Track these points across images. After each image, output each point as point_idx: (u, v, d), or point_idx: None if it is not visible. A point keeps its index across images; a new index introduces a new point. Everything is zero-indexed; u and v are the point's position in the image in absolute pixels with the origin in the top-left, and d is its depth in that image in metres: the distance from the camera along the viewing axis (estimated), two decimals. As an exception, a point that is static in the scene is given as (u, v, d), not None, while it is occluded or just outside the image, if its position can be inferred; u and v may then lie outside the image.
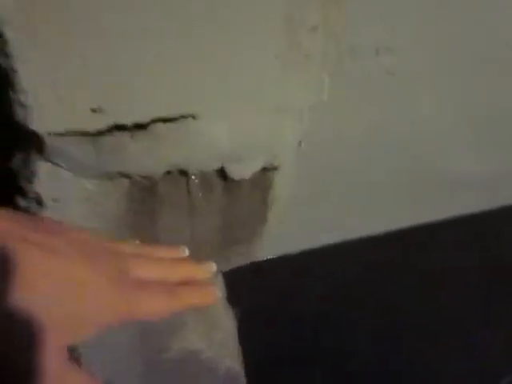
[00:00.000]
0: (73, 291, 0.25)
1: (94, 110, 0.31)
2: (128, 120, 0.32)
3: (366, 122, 0.56)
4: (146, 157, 0.35)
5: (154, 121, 0.34)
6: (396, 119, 0.57)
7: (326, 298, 0.77)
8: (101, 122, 0.32)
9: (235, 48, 0.34)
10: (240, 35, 0.33)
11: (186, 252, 0.36)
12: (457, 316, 0.82)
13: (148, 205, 0.40)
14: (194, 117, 0.35)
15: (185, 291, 0.32)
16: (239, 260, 0.51)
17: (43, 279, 0.24)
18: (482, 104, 0.61)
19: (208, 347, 0.60)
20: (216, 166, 0.39)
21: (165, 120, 0.34)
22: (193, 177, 0.40)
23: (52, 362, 0.24)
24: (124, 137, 0.33)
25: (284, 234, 0.50)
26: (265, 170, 0.43)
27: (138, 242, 0.35)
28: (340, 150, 0.57)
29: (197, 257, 0.46)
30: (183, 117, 0.35)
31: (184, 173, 0.39)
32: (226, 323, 0.63)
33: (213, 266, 0.36)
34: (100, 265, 0.27)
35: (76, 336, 0.26)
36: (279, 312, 0.76)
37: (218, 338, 0.61)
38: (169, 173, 0.39)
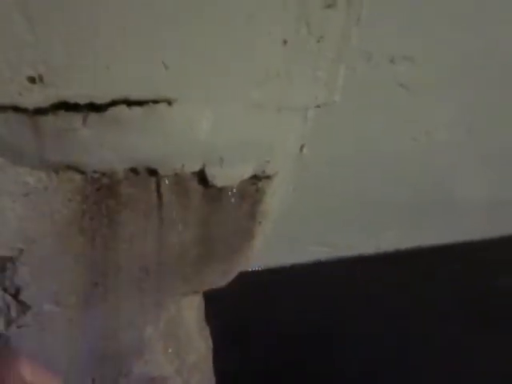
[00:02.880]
0: None
1: (32, 80, 0.23)
2: (79, 97, 0.25)
3: (370, 135, 0.51)
4: (102, 147, 0.27)
5: (116, 102, 0.26)
6: (400, 135, 0.53)
7: (311, 314, 0.74)
8: (41, 97, 0.24)
9: (229, 21, 0.26)
10: (236, 5, 0.26)
11: None
12: (444, 342, 0.78)
13: (107, 209, 0.32)
14: (169, 102, 0.27)
15: None
16: (217, 280, 0.43)
17: None
18: (497, 128, 0.58)
19: (177, 372, 0.52)
20: (194, 167, 0.32)
21: (130, 102, 0.26)
22: (165, 179, 0.32)
23: None
24: (73, 119, 0.25)
25: (271, 246, 0.45)
26: (255, 178, 0.36)
27: None
28: (338, 161, 0.52)
29: (164, 275, 0.39)
30: (155, 101, 0.27)
31: (154, 173, 0.31)
32: (201, 344, 0.56)
33: None
34: None
35: None
36: (262, 326, 0.72)
37: (189, 361, 0.54)
38: (135, 171, 0.31)
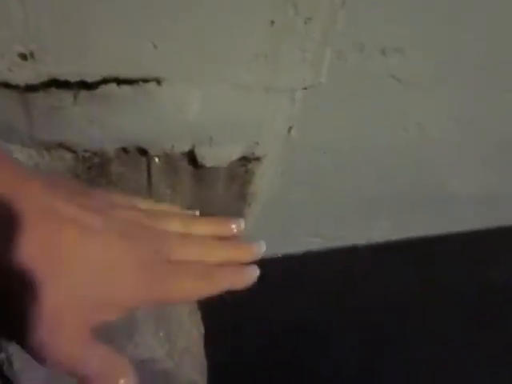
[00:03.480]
0: (100, 274, 0.25)
1: (23, 56, 0.24)
2: (70, 75, 0.25)
3: (361, 125, 0.51)
4: (92, 126, 0.28)
5: (106, 80, 0.27)
6: (393, 127, 0.53)
7: (304, 306, 0.74)
8: (32, 74, 0.24)
9: (216, 2, 0.27)
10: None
11: (242, 226, 0.34)
12: (440, 334, 0.79)
13: (98, 187, 0.33)
14: (158, 81, 0.28)
15: (221, 274, 0.31)
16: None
17: (72, 259, 0.24)
18: (489, 120, 0.58)
19: (168, 355, 0.53)
20: (184, 147, 0.32)
21: (120, 81, 0.27)
22: (155, 158, 0.33)
23: (68, 343, 0.24)
24: (64, 96, 0.26)
25: (263, 236, 0.46)
26: (244, 159, 0.36)
27: (196, 213, 0.34)
28: (332, 151, 0.52)
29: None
30: (145, 80, 0.28)
31: (144, 152, 0.32)
32: (192, 328, 0.57)
33: (262, 247, 0.34)
34: (135, 247, 0.26)
35: (97, 318, 0.25)
36: (255, 317, 0.72)
37: (180, 345, 0.54)
38: (125, 151, 0.32)
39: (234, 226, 0.33)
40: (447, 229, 0.69)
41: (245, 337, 0.71)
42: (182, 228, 0.30)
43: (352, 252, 0.67)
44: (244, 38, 0.28)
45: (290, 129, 0.37)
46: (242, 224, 0.34)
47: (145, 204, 0.31)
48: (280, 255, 0.66)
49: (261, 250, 0.34)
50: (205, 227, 0.32)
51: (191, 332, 0.56)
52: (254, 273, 0.33)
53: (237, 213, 0.40)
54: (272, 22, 0.28)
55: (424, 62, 0.47)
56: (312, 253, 0.66)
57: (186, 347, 0.55)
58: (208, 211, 0.39)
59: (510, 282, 0.81)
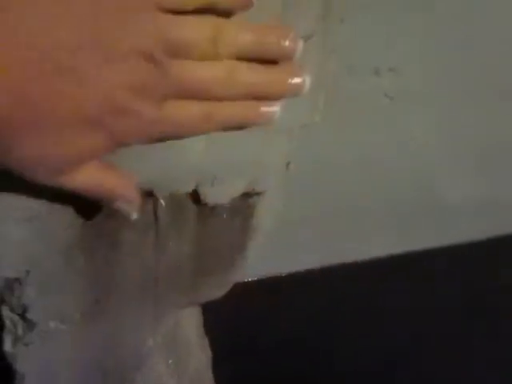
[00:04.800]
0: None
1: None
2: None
3: (357, 145, 0.52)
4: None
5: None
6: (389, 144, 0.54)
7: (304, 324, 0.74)
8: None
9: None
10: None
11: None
12: (440, 347, 0.78)
13: (107, 229, 0.34)
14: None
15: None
16: (213, 292, 0.45)
17: None
18: (481, 133, 0.59)
19: (178, 382, 0.54)
20: (188, 188, 0.34)
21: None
22: (161, 200, 0.34)
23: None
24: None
25: (262, 256, 0.47)
26: (246, 195, 0.38)
27: None
28: (328, 172, 0.54)
29: (162, 289, 0.41)
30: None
31: (150, 194, 0.34)
32: (200, 353, 0.57)
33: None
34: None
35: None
36: (256, 337, 0.73)
37: (189, 371, 0.55)
38: (132, 194, 0.33)
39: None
40: (448, 241, 0.70)
41: (251, 357, 0.72)
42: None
43: (352, 268, 0.67)
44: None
45: (288, 164, 0.38)
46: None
47: None
48: (283, 274, 0.66)
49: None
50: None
51: (200, 357, 0.57)
52: (274, 110, 0.27)
53: (240, 246, 0.41)
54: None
55: (417, 79, 0.49)
56: (313, 270, 0.66)
57: (195, 372, 0.55)
58: (212, 246, 0.40)
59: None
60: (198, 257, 0.40)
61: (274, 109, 0.27)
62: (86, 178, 0.25)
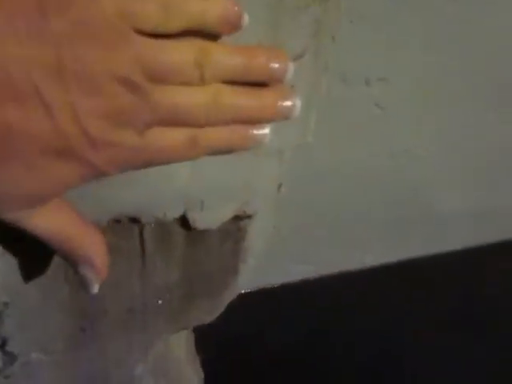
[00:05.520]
0: None
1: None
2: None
3: (349, 156, 0.52)
4: (81, 201, 0.28)
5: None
6: (382, 154, 0.54)
7: (303, 334, 0.74)
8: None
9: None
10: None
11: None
12: (434, 354, 0.78)
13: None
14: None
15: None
16: (204, 317, 0.44)
17: None
18: (475, 142, 0.59)
19: (169, 406, 0.52)
20: (176, 213, 0.33)
21: (109, 159, 0.27)
22: (147, 226, 0.33)
23: None
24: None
25: (258, 268, 0.45)
26: (237, 218, 0.36)
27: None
28: (317, 179, 0.53)
29: (150, 315, 0.40)
30: (134, 155, 0.28)
31: (137, 221, 0.32)
32: (192, 376, 0.56)
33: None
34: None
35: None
36: (251, 351, 0.72)
37: (181, 395, 0.54)
38: (117, 221, 0.32)
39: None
40: (441, 248, 0.70)
41: (246, 372, 0.71)
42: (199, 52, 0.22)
43: (347, 277, 0.67)
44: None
45: (279, 186, 0.37)
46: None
47: None
48: (276, 285, 0.66)
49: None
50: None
51: (192, 380, 0.55)
52: (264, 133, 0.25)
53: (232, 269, 0.40)
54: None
55: (409, 90, 0.48)
56: (307, 281, 0.65)
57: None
58: (202, 270, 0.39)
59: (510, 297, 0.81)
60: (187, 282, 0.39)
61: (264, 132, 0.26)
62: (49, 220, 0.23)
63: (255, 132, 0.25)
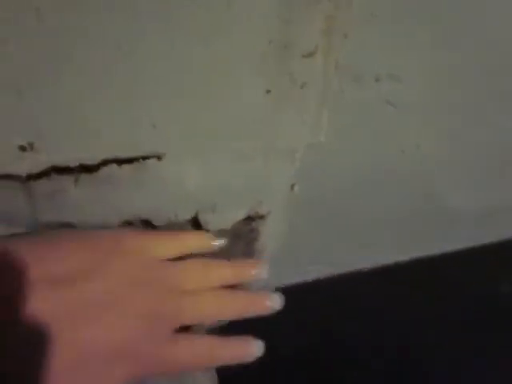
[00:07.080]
0: (98, 351, 0.25)
1: (22, 148, 0.24)
2: (70, 161, 0.25)
3: (362, 154, 0.51)
4: (95, 205, 0.28)
5: (106, 162, 0.27)
6: (394, 152, 0.53)
7: (317, 334, 0.73)
8: (33, 163, 0.24)
9: (209, 79, 0.27)
10: (221, 63, 0.27)
11: (262, 269, 0.34)
12: (451, 355, 0.77)
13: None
14: (158, 157, 0.28)
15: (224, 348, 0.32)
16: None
17: (64, 348, 0.23)
18: (485, 138, 0.58)
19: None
20: (187, 215, 0.32)
21: (120, 161, 0.27)
22: (159, 228, 0.32)
23: None
24: (65, 181, 0.26)
25: (271, 268, 0.45)
26: (249, 218, 0.36)
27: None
28: (334, 183, 0.52)
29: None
30: (145, 157, 0.28)
31: (148, 223, 0.32)
32: (206, 381, 0.55)
33: (277, 301, 0.35)
34: (136, 312, 0.27)
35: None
36: (266, 352, 0.71)
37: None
38: (129, 223, 0.31)
39: (253, 272, 0.34)
40: (454, 246, 0.69)
41: (258, 372, 0.70)
42: (202, 270, 0.31)
43: (359, 276, 0.66)
44: (241, 110, 0.28)
45: (292, 186, 0.37)
46: (263, 268, 0.35)
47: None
48: (289, 285, 0.65)
49: (276, 304, 0.34)
50: (225, 270, 0.33)
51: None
52: (258, 347, 0.33)
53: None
54: (268, 91, 0.29)
55: (420, 86, 0.47)
56: (320, 281, 0.65)
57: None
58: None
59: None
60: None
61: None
62: None
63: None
